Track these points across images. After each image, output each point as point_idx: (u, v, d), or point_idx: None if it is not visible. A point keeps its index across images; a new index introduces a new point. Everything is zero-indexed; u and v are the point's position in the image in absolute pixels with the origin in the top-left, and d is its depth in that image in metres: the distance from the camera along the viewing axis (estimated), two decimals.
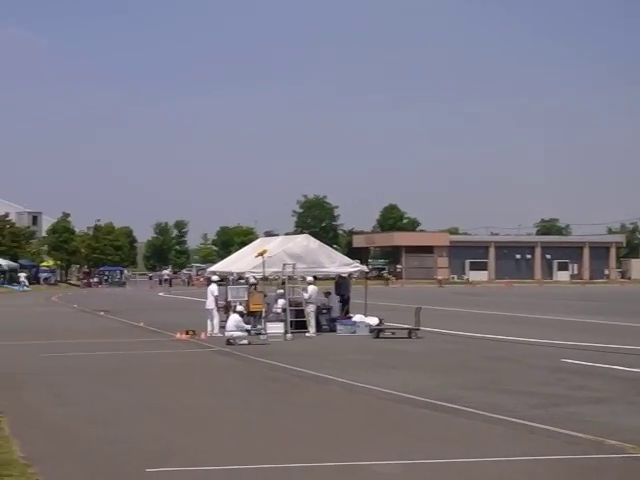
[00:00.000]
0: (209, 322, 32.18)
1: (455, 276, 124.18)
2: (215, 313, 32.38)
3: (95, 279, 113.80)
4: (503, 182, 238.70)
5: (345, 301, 35.17)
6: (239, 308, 29.81)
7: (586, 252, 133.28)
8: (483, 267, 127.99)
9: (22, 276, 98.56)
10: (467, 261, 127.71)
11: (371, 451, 12.33)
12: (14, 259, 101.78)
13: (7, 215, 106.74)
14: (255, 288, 32.80)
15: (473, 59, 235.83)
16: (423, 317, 31.06)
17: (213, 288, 32.99)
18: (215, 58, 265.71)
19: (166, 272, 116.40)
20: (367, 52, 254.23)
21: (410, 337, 30.02)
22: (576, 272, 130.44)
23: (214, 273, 39.25)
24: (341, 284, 35.68)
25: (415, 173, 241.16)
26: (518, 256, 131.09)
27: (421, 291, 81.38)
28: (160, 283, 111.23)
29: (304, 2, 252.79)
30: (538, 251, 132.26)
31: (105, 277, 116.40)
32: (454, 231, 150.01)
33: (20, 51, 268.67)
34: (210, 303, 32.50)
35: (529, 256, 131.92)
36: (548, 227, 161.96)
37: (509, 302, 59.00)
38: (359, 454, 12.09)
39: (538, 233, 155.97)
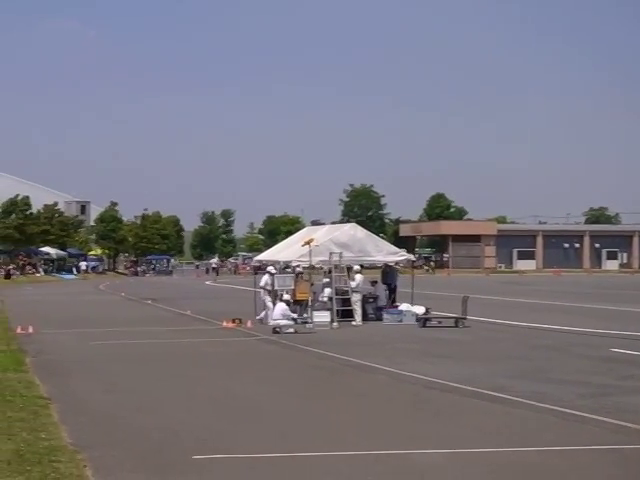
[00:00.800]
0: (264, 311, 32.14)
1: (502, 265, 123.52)
2: (268, 303, 32.16)
3: (142, 268, 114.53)
4: (551, 170, 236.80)
5: (392, 290, 35.08)
6: (285, 297, 29.82)
7: (636, 241, 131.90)
8: (531, 256, 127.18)
9: (83, 264, 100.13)
10: (515, 250, 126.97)
11: (414, 440, 12.29)
12: (63, 248, 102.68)
13: (56, 204, 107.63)
14: (302, 277, 32.80)
15: (518, 48, 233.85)
16: (470, 306, 30.89)
17: (266, 278, 32.97)
18: (261, 47, 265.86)
19: (214, 261, 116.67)
20: (408, 43, 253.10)
21: (457, 326, 29.88)
22: (625, 261, 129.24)
23: (261, 262, 39.38)
24: (388, 273, 35.59)
25: (462, 162, 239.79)
26: (566, 245, 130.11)
27: (468, 280, 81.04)
28: (207, 272, 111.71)
29: None
30: (587, 240, 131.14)
31: (152, 266, 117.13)
32: (502, 220, 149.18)
33: (71, 42, 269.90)
34: (264, 293, 32.53)
35: (577, 245, 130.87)
36: (597, 216, 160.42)
37: (557, 291, 58.57)
38: (402, 443, 12.06)
39: (587, 222, 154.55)
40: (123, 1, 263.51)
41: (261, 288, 32.87)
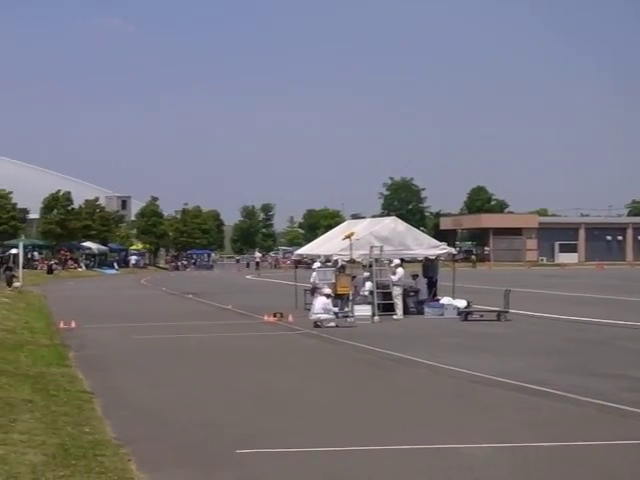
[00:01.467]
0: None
1: (544, 258, 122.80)
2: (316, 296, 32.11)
3: (183, 262, 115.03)
4: (593, 162, 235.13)
5: (433, 283, 34.97)
6: (326, 291, 29.80)
7: None
8: (573, 249, 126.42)
9: (133, 258, 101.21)
10: (557, 243, 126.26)
11: (460, 434, 12.22)
12: (104, 243, 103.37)
13: (97, 200, 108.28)
14: (344, 270, 32.77)
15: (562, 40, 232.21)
16: (512, 299, 30.73)
17: (315, 274, 33.17)
18: (301, 44, 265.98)
19: (258, 255, 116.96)
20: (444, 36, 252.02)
21: (499, 320, 29.74)
22: None
23: (301, 256, 39.46)
24: (428, 266, 35.49)
25: (503, 154, 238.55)
26: (609, 237, 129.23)
27: (509, 273, 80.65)
28: (247, 266, 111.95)
29: None
30: (630, 232, 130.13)
31: (193, 260, 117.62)
32: (543, 213, 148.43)
33: (111, 38, 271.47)
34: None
35: (620, 237, 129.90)
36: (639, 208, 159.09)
37: (599, 284, 58.12)
38: (448, 437, 12.00)
39: (630, 214, 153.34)
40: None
41: (311, 285, 32.97)
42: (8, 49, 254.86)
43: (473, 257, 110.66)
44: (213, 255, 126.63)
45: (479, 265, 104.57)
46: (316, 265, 33.75)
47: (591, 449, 11.36)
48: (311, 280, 33.23)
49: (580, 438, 11.87)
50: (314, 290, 32.57)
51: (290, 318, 30.52)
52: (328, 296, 29.32)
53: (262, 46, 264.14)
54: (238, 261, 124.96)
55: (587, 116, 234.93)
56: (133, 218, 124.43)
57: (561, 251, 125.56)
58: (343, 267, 32.84)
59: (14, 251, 66.87)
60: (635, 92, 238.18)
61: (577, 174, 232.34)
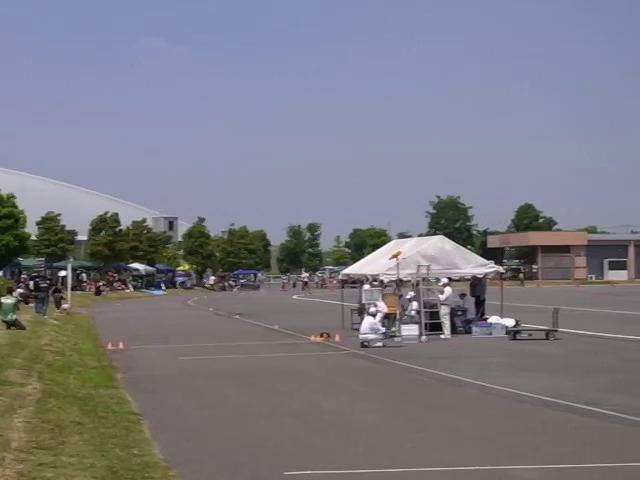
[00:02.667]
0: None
1: (593, 276, 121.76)
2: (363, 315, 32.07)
3: (230, 282, 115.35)
4: None
5: (480, 302, 34.77)
6: (372, 310, 29.71)
7: None
8: (622, 266, 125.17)
9: (179, 280, 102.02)
10: (606, 260, 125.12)
11: (510, 455, 12.10)
12: (151, 264, 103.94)
13: (144, 221, 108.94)
14: (398, 289, 32.68)
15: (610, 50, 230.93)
16: (561, 318, 30.44)
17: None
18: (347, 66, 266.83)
19: (305, 275, 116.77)
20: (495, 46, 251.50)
21: (548, 339, 29.46)
22: None
23: (348, 275, 39.43)
24: (476, 285, 35.31)
25: (551, 171, 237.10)
26: None
27: (558, 291, 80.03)
28: (294, 286, 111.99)
29: None
30: None
31: (240, 280, 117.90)
32: (592, 230, 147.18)
33: (160, 59, 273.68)
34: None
35: None
36: None
37: None
38: (498, 458, 11.88)
39: None
40: (211, 21, 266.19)
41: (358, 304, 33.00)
42: (55, 68, 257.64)
43: (521, 275, 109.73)
44: (260, 275, 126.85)
45: (527, 283, 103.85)
46: (366, 287, 33.69)
47: None
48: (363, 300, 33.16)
49: (631, 459, 11.69)
50: (361, 310, 32.50)
51: (337, 338, 30.45)
52: (374, 315, 29.21)
53: (307, 67, 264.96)
54: (284, 284, 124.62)
55: (636, 131, 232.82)
56: (180, 239, 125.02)
57: (610, 268, 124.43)
58: (399, 286, 32.79)
59: (63, 273, 67.40)
60: None
61: (626, 191, 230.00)
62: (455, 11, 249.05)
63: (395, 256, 31.76)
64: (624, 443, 12.95)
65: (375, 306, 30.54)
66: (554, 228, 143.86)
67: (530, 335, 30.25)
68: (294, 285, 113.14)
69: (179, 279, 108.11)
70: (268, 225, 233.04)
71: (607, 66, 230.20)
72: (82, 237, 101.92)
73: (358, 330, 29.72)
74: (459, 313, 33.41)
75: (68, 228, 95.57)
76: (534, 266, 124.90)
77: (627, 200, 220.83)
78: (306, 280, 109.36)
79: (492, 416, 15.57)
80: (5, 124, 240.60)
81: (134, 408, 16.39)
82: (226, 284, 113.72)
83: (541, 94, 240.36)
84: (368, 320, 28.66)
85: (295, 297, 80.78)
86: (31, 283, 56.34)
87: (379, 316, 29.98)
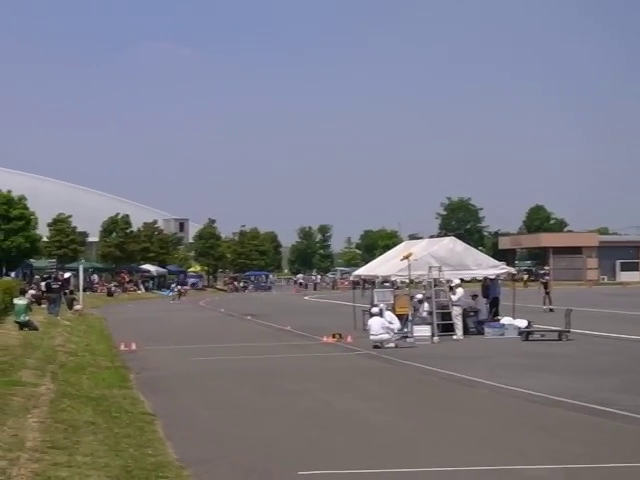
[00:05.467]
0: None
1: (605, 277, 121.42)
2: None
3: (241, 284, 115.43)
4: None
5: (495, 303, 34.76)
6: (374, 310, 29.57)
7: None
8: (634, 267, 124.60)
9: (190, 281, 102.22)
10: (618, 261, 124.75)
11: (522, 455, 12.09)
12: (163, 265, 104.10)
13: (155, 222, 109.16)
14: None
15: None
16: (573, 319, 30.38)
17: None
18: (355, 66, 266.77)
19: (313, 276, 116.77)
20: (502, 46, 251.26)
21: (560, 339, 29.42)
22: None
23: (359, 277, 39.45)
24: (488, 286, 35.30)
25: (562, 172, 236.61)
26: None
27: (570, 293, 79.82)
28: (305, 287, 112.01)
29: None
30: None
31: (251, 282, 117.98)
32: (604, 231, 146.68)
33: (166, 60, 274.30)
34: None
35: None
36: None
37: None
38: (510, 458, 11.88)
39: None
40: (217, 22, 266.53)
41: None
42: (65, 71, 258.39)
43: (524, 276, 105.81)
44: (271, 276, 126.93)
45: (537, 285, 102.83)
46: (385, 287, 33.67)
47: None
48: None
49: None
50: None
51: (349, 339, 30.45)
52: (379, 315, 29.09)
53: (318, 68, 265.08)
54: (295, 282, 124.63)
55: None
56: (191, 240, 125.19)
57: (622, 269, 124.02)
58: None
59: (67, 275, 67.64)
60: None
61: (638, 192, 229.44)
62: (463, 8, 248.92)
63: (406, 257, 31.75)
64: (637, 443, 12.95)
65: (377, 306, 30.46)
66: (565, 229, 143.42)
67: (543, 336, 30.21)
68: (306, 286, 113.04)
69: (190, 280, 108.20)
70: (279, 226, 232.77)
71: (620, 67, 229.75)
72: (93, 238, 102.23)
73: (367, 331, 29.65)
74: (471, 314, 33.38)
75: (79, 230, 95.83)
76: (545, 267, 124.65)
77: (639, 201, 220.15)
78: (317, 281, 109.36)
79: (504, 416, 15.57)
80: (17, 127, 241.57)
81: (147, 408, 16.44)
82: (237, 285, 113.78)
83: (552, 95, 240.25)
84: (378, 320, 28.61)
85: (306, 298, 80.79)
86: (43, 284, 56.45)
87: (388, 315, 29.87)
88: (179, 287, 78.03)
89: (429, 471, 11.23)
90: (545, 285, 49.51)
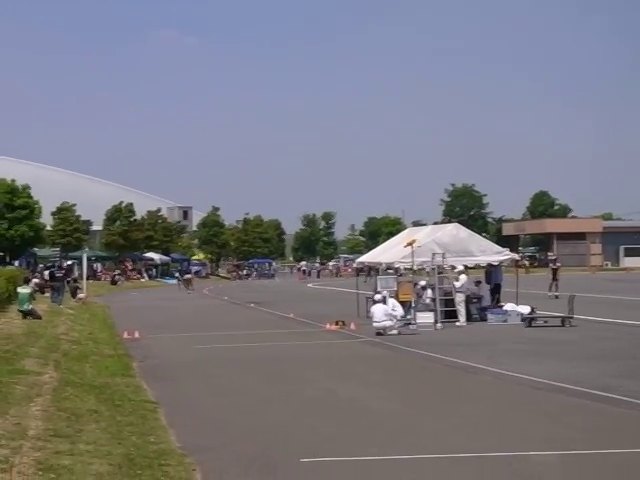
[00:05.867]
0: None
1: (609, 263, 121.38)
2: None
3: (245, 271, 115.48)
4: None
5: (497, 289, 34.75)
6: (377, 297, 29.54)
7: None
8: (638, 253, 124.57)
9: (194, 269, 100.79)
10: (621, 247, 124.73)
11: (527, 441, 12.08)
12: (166, 253, 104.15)
13: (159, 210, 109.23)
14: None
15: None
16: (577, 305, 30.36)
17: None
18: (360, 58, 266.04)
19: (316, 264, 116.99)
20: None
21: (563, 325, 29.41)
22: None
23: (363, 264, 39.43)
24: (492, 273, 35.27)
25: (566, 158, 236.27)
26: None
27: (573, 278, 79.75)
28: (309, 274, 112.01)
29: None
30: None
31: (254, 269, 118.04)
32: (608, 216, 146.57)
33: (172, 49, 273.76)
34: None
35: None
36: None
37: None
38: (515, 444, 11.87)
39: None
40: (222, 11, 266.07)
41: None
42: (68, 60, 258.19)
43: (525, 262, 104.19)
44: (274, 264, 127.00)
45: (541, 270, 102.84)
46: (389, 274, 33.66)
47: None
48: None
49: None
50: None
51: (352, 326, 30.45)
52: (383, 301, 29.06)
53: (322, 57, 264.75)
54: (299, 269, 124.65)
55: None
56: (195, 228, 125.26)
57: (626, 255, 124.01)
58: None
59: (69, 263, 67.73)
60: None
61: None
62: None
63: (410, 244, 31.73)
64: (639, 429, 12.93)
65: (380, 293, 30.43)
66: (569, 215, 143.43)
67: (546, 322, 30.19)
68: (309, 274, 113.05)
69: (194, 268, 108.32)
70: (283, 214, 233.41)
71: (623, 53, 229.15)
72: (97, 227, 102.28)
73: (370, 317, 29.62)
74: (474, 300, 33.33)
75: (83, 218, 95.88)
76: (549, 253, 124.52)
77: None
78: (304, 269, 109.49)
79: (508, 403, 15.57)
80: (20, 116, 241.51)
81: (150, 396, 16.44)
82: (241, 273, 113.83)
83: (556, 80, 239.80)
84: (381, 307, 28.58)
85: (310, 285, 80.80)
86: (46, 273, 56.51)
87: (391, 302, 29.84)
88: (187, 275, 76.58)
89: (433, 457, 11.22)
90: (554, 272, 48.91)
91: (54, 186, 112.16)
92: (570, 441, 12.04)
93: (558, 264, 50.53)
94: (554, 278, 48.36)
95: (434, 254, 31.91)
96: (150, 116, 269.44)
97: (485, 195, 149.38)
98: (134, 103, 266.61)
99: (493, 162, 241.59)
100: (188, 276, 76.72)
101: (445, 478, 10.44)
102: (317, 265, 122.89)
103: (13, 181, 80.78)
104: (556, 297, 44.18)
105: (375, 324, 28.41)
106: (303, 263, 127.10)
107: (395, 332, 28.08)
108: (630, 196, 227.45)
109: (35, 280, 49.61)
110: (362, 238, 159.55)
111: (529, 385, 17.26)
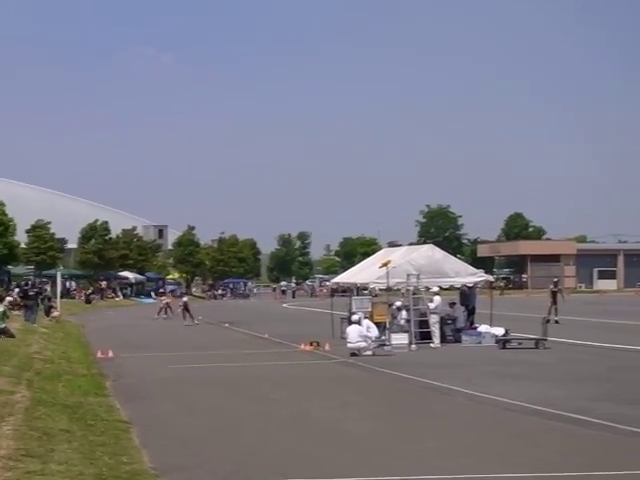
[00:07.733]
0: None
1: (582, 285, 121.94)
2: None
3: (220, 291, 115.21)
4: (631, 188, 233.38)
5: (470, 311, 34.81)
6: (354, 318, 29.53)
7: None
8: (612, 276, 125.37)
9: (169, 288, 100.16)
10: (595, 269, 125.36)
11: (500, 463, 12.10)
12: (141, 272, 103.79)
13: (135, 229, 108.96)
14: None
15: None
16: (550, 327, 30.45)
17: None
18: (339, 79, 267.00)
19: (292, 284, 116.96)
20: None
21: (537, 347, 29.49)
22: None
23: (338, 284, 39.42)
24: (466, 294, 35.34)
25: (541, 181, 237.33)
26: None
27: (547, 301, 79.99)
28: (284, 293, 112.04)
29: None
30: None
31: (229, 289, 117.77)
32: (581, 239, 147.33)
33: (148, 66, 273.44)
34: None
35: None
36: None
37: (638, 312, 57.46)
38: (487, 466, 11.89)
39: None
40: (200, 28, 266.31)
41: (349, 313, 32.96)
42: (43, 75, 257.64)
43: (501, 284, 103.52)
44: (249, 284, 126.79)
45: (517, 292, 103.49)
46: (364, 294, 33.66)
47: (630, 478, 11.19)
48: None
49: (621, 467, 11.71)
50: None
51: (327, 347, 30.41)
52: (359, 323, 29.08)
53: (298, 75, 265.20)
54: (274, 289, 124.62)
55: (625, 140, 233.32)
56: (170, 247, 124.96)
57: (600, 278, 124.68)
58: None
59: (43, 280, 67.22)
60: None
61: (615, 200, 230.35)
62: (452, 17, 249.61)
63: (385, 265, 31.77)
64: (613, 451, 12.97)
65: (356, 314, 30.40)
66: (544, 237, 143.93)
67: (520, 344, 30.27)
68: (284, 293, 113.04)
69: (169, 287, 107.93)
70: (258, 233, 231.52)
71: (597, 77, 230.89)
72: (72, 245, 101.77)
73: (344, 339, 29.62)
74: (449, 322, 33.42)
75: (58, 236, 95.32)
76: (523, 275, 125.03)
77: (616, 209, 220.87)
78: (294, 289, 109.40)
79: (481, 424, 15.59)
80: None
81: (123, 416, 16.37)
82: (216, 292, 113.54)
83: (531, 103, 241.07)
84: (356, 328, 28.59)
85: (285, 305, 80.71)
86: (16, 291, 56.16)
87: (365, 323, 29.83)
88: (165, 297, 65.98)
89: (407, 479, 11.21)
90: (554, 295, 46.64)
91: (29, 203, 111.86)
92: (545, 463, 12.06)
93: (559, 287, 48.04)
94: (554, 302, 46.12)
95: (409, 275, 31.96)
96: (126, 134, 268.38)
97: (460, 216, 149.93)
98: (110, 121, 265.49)
99: (469, 184, 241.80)
100: (164, 299, 64.03)
101: None
102: (293, 285, 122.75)
103: None
104: (556, 322, 41.58)
105: (349, 345, 28.41)
106: (283, 283, 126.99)
107: (369, 353, 28.08)
108: (603, 219, 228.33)
109: (8, 298, 49.32)
110: (337, 258, 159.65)
111: (503, 407, 17.30)
